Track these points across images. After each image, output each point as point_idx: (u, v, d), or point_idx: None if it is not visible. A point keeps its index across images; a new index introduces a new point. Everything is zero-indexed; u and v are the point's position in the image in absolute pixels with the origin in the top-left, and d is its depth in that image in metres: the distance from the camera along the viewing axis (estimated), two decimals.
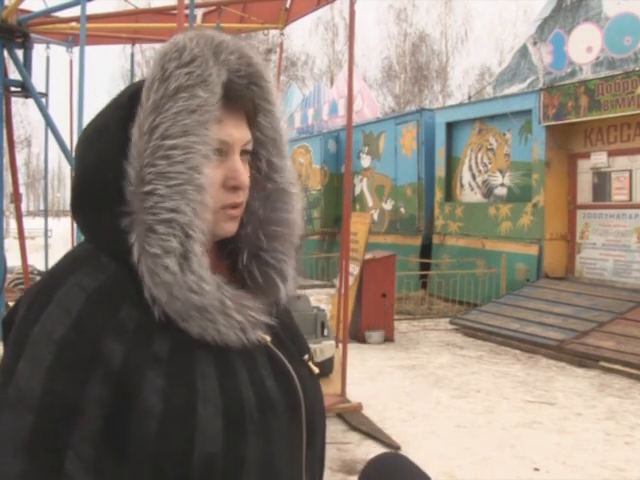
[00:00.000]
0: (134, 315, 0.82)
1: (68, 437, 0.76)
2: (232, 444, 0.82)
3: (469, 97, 14.20)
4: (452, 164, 12.25)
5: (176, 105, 0.83)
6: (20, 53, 5.44)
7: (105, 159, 0.85)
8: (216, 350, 0.85)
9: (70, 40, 7.70)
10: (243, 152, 0.92)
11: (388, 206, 13.81)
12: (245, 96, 0.91)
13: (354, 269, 8.03)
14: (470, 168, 11.92)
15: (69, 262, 0.88)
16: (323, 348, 5.43)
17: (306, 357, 1.00)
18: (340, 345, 5.62)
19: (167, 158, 0.82)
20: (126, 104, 0.87)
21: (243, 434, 0.83)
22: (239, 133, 0.90)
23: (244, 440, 0.83)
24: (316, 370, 1.00)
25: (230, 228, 0.92)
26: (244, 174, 0.90)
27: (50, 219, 8.58)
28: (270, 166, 0.97)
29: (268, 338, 0.92)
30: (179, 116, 0.83)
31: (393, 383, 6.55)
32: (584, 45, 10.08)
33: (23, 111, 32.25)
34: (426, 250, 12.27)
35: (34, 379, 0.77)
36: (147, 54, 32.42)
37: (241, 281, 0.95)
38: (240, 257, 0.96)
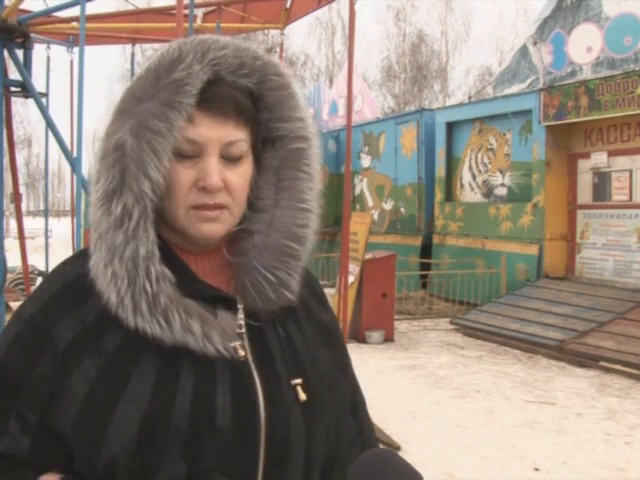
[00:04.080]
0: (98, 308, 0.85)
1: (15, 403, 0.84)
2: (145, 450, 0.80)
3: (469, 97, 14.20)
4: (452, 164, 12.24)
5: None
6: (20, 53, 5.43)
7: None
8: (167, 355, 0.83)
9: (70, 40, 7.69)
10: (232, 154, 0.88)
11: (388, 206, 13.81)
12: (228, 96, 0.87)
13: (354, 269, 8.03)
14: (470, 168, 11.91)
15: (74, 255, 0.95)
16: None
17: (297, 381, 0.90)
18: None
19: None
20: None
21: (161, 443, 0.80)
22: (214, 133, 0.86)
23: (159, 449, 0.80)
24: (303, 397, 0.89)
25: (208, 230, 0.88)
26: (214, 175, 0.85)
27: (50, 219, 8.58)
28: (291, 167, 0.94)
29: (242, 352, 0.87)
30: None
31: (393, 383, 6.55)
32: (584, 45, 10.08)
33: (23, 111, 32.30)
34: (426, 250, 12.27)
35: None
36: (147, 54, 32.41)
37: (235, 288, 0.92)
38: (239, 263, 0.93)
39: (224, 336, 0.86)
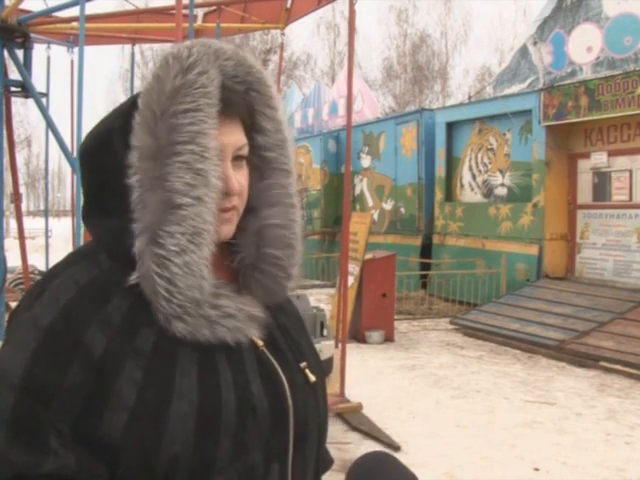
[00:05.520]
0: (122, 309, 0.85)
1: (49, 417, 0.80)
2: (202, 444, 0.82)
3: (469, 97, 14.20)
4: (452, 164, 12.24)
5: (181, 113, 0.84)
6: (20, 53, 5.44)
7: (114, 163, 0.87)
8: (202, 349, 0.86)
9: (71, 40, 7.71)
10: (238, 157, 0.92)
11: (388, 206, 13.81)
12: (239, 102, 0.91)
13: (354, 269, 8.04)
14: (470, 168, 11.91)
15: (70, 257, 0.93)
16: (322, 348, 5.43)
17: (304, 364, 0.97)
18: (339, 345, 5.62)
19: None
20: (128, 110, 0.89)
21: (216, 435, 0.83)
22: (231, 139, 0.90)
23: (216, 441, 0.83)
24: (312, 378, 0.97)
25: (224, 231, 0.91)
26: (234, 180, 0.90)
27: (50, 219, 8.58)
28: (274, 168, 0.98)
29: (260, 342, 0.92)
30: (185, 125, 0.84)
31: (393, 383, 6.55)
32: (584, 45, 10.08)
33: (23, 111, 32.28)
34: (426, 250, 12.28)
35: (17, 362, 0.81)
36: (147, 54, 32.41)
37: (242, 284, 0.96)
38: (242, 260, 0.97)
39: (250, 326, 0.91)
